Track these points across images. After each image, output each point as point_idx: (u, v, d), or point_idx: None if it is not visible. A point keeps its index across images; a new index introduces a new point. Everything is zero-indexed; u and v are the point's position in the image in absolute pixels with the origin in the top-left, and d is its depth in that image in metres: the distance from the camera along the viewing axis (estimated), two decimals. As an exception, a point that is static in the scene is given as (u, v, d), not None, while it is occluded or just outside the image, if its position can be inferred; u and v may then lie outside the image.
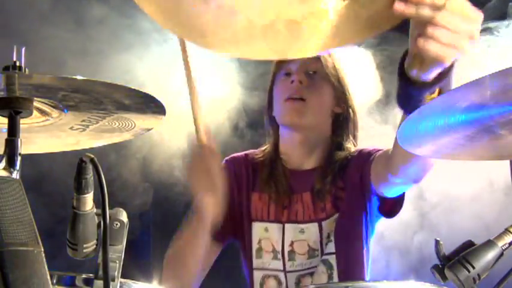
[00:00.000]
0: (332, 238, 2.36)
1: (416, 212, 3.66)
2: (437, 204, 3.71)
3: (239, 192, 2.47)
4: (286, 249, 2.40)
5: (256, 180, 2.49)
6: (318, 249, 2.37)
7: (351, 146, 2.46)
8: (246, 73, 3.61)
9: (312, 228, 2.39)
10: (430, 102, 1.56)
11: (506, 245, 1.59)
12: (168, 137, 3.54)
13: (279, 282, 2.40)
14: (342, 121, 2.47)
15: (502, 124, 1.61)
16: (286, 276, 2.39)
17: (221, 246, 2.48)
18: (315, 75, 2.43)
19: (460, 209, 3.62)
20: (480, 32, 1.49)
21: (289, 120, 2.42)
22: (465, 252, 1.57)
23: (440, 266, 1.59)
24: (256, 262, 2.42)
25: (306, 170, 2.47)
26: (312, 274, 2.35)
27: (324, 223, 2.38)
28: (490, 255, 1.56)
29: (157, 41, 3.63)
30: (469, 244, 1.59)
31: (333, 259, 2.33)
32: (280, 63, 2.48)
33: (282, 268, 2.40)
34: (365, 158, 2.36)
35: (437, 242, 1.60)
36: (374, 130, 3.39)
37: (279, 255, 2.40)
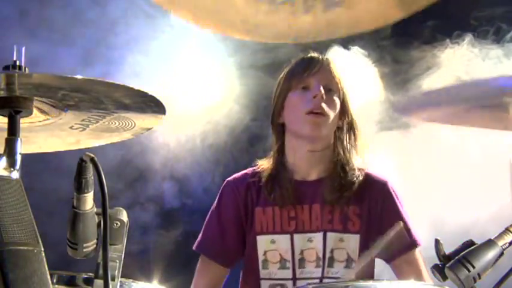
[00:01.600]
0: (336, 258, 2.44)
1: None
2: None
3: (245, 210, 2.53)
4: (297, 257, 2.46)
5: (260, 196, 2.54)
6: (321, 259, 2.44)
7: (353, 157, 2.54)
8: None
9: (318, 237, 2.46)
10: None
11: (507, 245, 1.59)
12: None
13: None
14: (343, 132, 2.55)
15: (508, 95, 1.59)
16: (295, 284, 2.45)
17: (227, 272, 2.59)
18: (331, 91, 2.53)
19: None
20: None
21: (310, 133, 2.49)
22: (465, 252, 1.57)
23: (440, 266, 1.59)
24: (262, 273, 2.48)
25: (312, 180, 2.53)
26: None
27: (328, 234, 2.46)
28: (490, 254, 1.56)
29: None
30: (469, 243, 1.59)
31: None
32: (297, 75, 2.55)
33: (291, 276, 2.46)
34: (382, 192, 2.52)
35: (437, 242, 1.60)
36: (376, 136, 3.41)
37: (288, 264, 2.46)
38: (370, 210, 2.47)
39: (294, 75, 2.56)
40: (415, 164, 3.42)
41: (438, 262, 1.61)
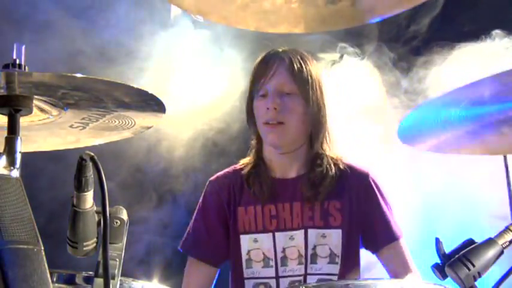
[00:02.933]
0: (318, 254, 2.45)
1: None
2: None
3: (228, 209, 2.55)
4: (279, 255, 2.47)
5: (242, 195, 2.55)
6: (304, 256, 2.45)
7: (328, 150, 2.54)
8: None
9: (300, 235, 2.47)
10: None
11: (507, 243, 1.59)
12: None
13: None
14: (315, 126, 2.53)
15: (502, 122, 1.61)
16: (278, 282, 2.47)
17: (217, 271, 2.60)
18: (289, 96, 2.50)
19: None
20: None
21: (271, 143, 2.52)
22: (465, 251, 1.57)
23: (440, 264, 1.59)
24: (246, 272, 2.49)
25: (290, 178, 2.55)
26: (301, 282, 2.43)
27: (310, 231, 2.47)
28: (491, 253, 1.56)
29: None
30: (469, 242, 1.59)
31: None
32: (255, 79, 2.56)
33: (274, 275, 2.48)
34: (363, 185, 2.51)
35: (437, 240, 1.60)
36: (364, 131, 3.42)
37: (272, 262, 2.48)
38: (351, 202, 2.47)
39: (253, 81, 2.57)
40: (411, 162, 3.42)
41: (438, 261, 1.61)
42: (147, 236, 3.97)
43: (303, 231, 2.46)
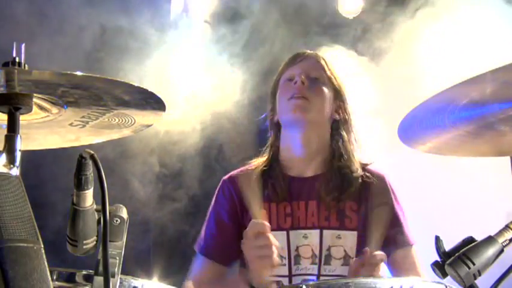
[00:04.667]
0: (333, 255, 2.44)
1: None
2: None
3: (241, 208, 2.53)
4: (293, 254, 2.46)
5: (256, 194, 2.53)
6: (317, 256, 2.44)
7: (351, 153, 2.54)
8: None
9: (314, 235, 2.46)
10: None
11: (507, 242, 1.59)
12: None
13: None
14: (339, 129, 2.56)
15: (502, 120, 1.60)
16: (291, 281, 2.45)
17: (227, 270, 2.57)
18: (316, 80, 2.54)
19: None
20: None
21: (293, 116, 2.50)
22: (465, 249, 1.57)
23: (440, 263, 1.59)
24: None
25: (307, 177, 2.54)
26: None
27: (325, 232, 2.45)
28: (491, 251, 1.56)
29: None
30: (469, 240, 1.59)
31: None
32: (283, 70, 2.61)
33: (287, 273, 2.46)
34: (381, 188, 2.51)
35: (437, 239, 1.60)
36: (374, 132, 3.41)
37: (285, 261, 2.46)
38: (367, 205, 2.46)
39: (280, 72, 2.63)
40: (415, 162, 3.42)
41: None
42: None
43: (318, 231, 2.45)
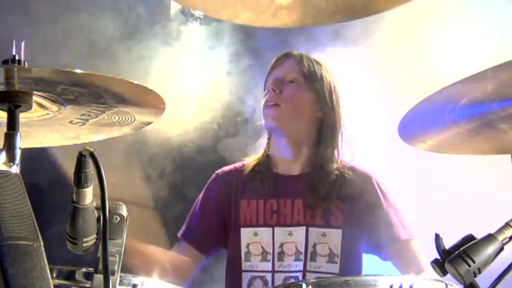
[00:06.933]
0: (318, 252, 2.46)
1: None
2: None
3: (228, 202, 2.60)
4: (276, 250, 2.51)
5: (246, 189, 2.61)
6: (303, 253, 2.47)
7: (334, 153, 2.56)
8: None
9: (299, 231, 2.51)
10: None
11: (507, 239, 1.59)
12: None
13: (265, 283, 2.51)
14: (323, 128, 2.59)
15: (503, 118, 1.60)
16: (273, 277, 2.50)
17: (203, 258, 2.61)
18: (292, 84, 2.59)
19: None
20: None
21: (267, 124, 2.60)
22: (465, 247, 1.56)
23: (440, 260, 1.59)
24: (244, 265, 2.54)
25: (294, 175, 2.58)
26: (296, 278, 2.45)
27: (311, 229, 2.50)
28: (491, 249, 1.56)
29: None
30: (469, 238, 1.59)
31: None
32: (268, 75, 2.68)
33: (270, 269, 2.52)
34: (366, 187, 2.53)
35: (437, 236, 1.60)
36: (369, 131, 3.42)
37: (269, 257, 2.52)
38: (353, 204, 2.51)
39: (266, 77, 2.70)
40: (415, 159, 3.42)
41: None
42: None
43: (304, 228, 2.50)
